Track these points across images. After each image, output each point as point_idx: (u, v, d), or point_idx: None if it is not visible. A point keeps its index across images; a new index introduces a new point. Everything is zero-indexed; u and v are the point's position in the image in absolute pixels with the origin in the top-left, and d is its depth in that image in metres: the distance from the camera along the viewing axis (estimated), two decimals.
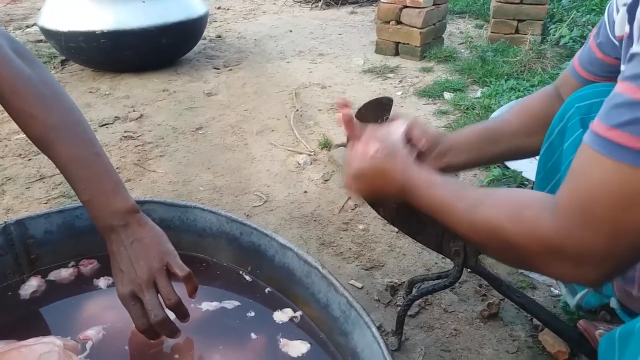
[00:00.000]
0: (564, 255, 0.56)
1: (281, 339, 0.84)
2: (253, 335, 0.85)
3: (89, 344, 0.81)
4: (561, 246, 0.56)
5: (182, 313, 0.78)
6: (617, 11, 0.76)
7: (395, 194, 0.78)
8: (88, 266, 0.99)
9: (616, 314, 1.02)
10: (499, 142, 0.97)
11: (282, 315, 0.89)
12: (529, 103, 1.00)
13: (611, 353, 0.59)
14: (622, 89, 0.52)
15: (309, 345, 0.83)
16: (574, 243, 0.54)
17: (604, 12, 0.82)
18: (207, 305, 0.90)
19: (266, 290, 0.95)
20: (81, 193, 0.77)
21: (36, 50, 3.35)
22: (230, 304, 0.91)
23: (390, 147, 0.80)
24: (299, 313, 0.89)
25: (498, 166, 1.78)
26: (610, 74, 0.84)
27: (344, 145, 0.87)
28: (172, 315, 0.77)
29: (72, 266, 0.99)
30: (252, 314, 0.89)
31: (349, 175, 0.83)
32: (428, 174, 0.75)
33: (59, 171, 0.80)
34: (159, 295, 0.75)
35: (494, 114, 2.04)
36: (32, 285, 0.94)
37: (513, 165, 1.73)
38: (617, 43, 0.78)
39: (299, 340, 0.84)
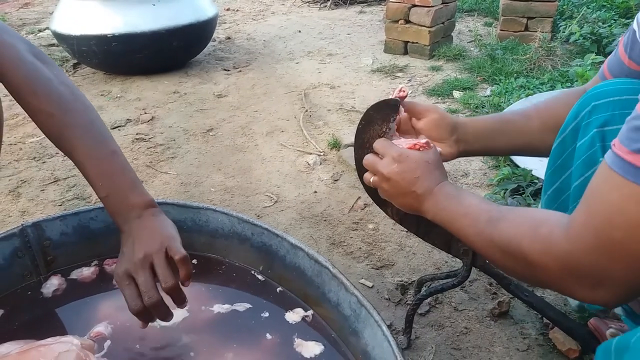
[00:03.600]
0: (578, 277, 0.56)
1: (296, 339, 0.85)
2: (268, 336, 0.86)
3: (107, 344, 0.83)
4: (574, 267, 0.55)
5: (179, 298, 0.78)
6: None
7: (417, 194, 0.78)
8: (112, 265, 1.01)
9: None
10: (515, 136, 0.95)
11: (293, 316, 0.90)
12: (554, 102, 0.98)
13: None
14: None
15: (322, 347, 0.84)
16: (588, 265, 0.54)
17: (633, 19, 0.81)
18: (219, 308, 0.91)
19: (278, 290, 0.96)
20: (99, 189, 0.80)
21: (49, 54, 3.40)
22: (242, 306, 0.92)
23: (436, 155, 0.82)
24: (310, 312, 0.91)
25: (508, 164, 1.78)
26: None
27: (352, 145, 0.88)
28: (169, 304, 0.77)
29: (95, 265, 1.01)
30: (267, 314, 0.91)
31: (390, 156, 0.81)
32: (455, 186, 0.77)
33: (73, 173, 0.82)
34: (155, 277, 0.76)
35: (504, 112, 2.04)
36: (53, 284, 0.97)
37: (523, 163, 1.73)
38: None
39: (314, 342, 0.85)
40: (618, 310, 0.93)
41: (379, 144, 0.84)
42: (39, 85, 0.81)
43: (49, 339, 0.76)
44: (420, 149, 0.81)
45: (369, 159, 0.85)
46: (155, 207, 0.82)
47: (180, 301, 0.78)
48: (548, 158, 0.96)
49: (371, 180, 0.85)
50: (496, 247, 0.66)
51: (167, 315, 0.78)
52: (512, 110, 1.02)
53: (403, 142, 0.85)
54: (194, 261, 1.03)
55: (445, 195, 0.76)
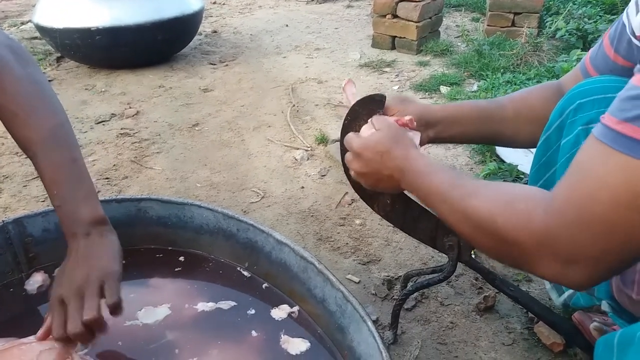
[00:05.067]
0: (554, 253, 0.54)
1: (282, 336, 0.85)
2: (254, 333, 0.85)
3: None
4: (552, 243, 0.53)
5: (97, 331, 0.73)
6: (638, 11, 0.74)
7: (390, 176, 0.77)
8: None
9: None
10: (488, 124, 0.95)
11: (279, 312, 0.89)
12: (529, 94, 0.98)
13: (609, 358, 0.57)
14: (636, 82, 0.50)
15: (308, 343, 0.83)
16: (566, 241, 0.52)
17: (622, 12, 0.80)
18: (203, 306, 0.90)
19: (263, 286, 0.96)
20: (53, 197, 0.77)
21: (31, 47, 3.34)
22: (227, 304, 0.91)
23: (394, 131, 0.80)
24: (296, 308, 0.90)
25: (494, 160, 1.79)
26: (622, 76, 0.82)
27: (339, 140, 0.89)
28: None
29: None
30: (252, 311, 0.90)
31: (350, 154, 0.83)
32: (428, 160, 0.75)
33: None
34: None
35: None
36: (36, 280, 0.95)
37: (509, 158, 1.74)
38: (637, 42, 0.76)
39: (300, 339, 0.84)
40: (605, 307, 0.93)
41: (347, 140, 0.84)
42: (7, 83, 0.78)
43: (31, 337, 0.75)
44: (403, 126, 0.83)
45: (347, 158, 0.85)
46: (105, 225, 0.79)
47: (93, 335, 0.73)
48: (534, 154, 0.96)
49: (354, 177, 0.86)
50: (468, 223, 0.64)
51: (88, 340, 0.73)
52: (485, 100, 1.02)
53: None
54: (181, 258, 1.02)
55: (416, 174, 0.74)
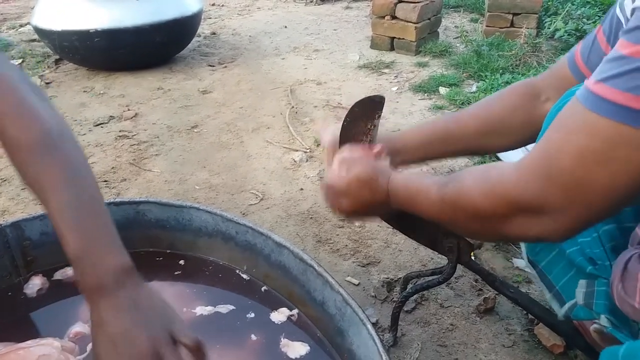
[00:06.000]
0: (523, 208, 0.57)
1: (282, 339, 0.84)
2: (253, 337, 0.85)
3: (89, 346, 0.81)
4: (521, 198, 0.57)
5: None
6: (633, 1, 0.73)
7: (382, 201, 0.79)
8: None
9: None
10: (451, 143, 0.96)
11: (279, 316, 0.89)
12: (491, 104, 0.96)
13: None
14: (617, 46, 0.52)
15: (308, 347, 0.83)
16: (533, 193, 0.56)
17: (615, 3, 0.78)
18: (202, 310, 0.90)
19: (262, 289, 0.95)
20: (74, 244, 0.62)
21: (30, 50, 3.34)
22: (225, 308, 0.91)
23: (370, 160, 0.83)
24: (295, 311, 0.90)
25: (493, 160, 1.78)
26: None
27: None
28: None
29: None
30: (252, 314, 0.90)
31: (335, 196, 0.84)
32: (405, 174, 0.79)
33: None
34: None
35: None
36: (36, 284, 0.95)
37: (507, 158, 1.73)
38: None
39: (300, 342, 0.84)
40: (604, 322, 0.92)
41: (328, 184, 0.85)
42: (27, 117, 0.69)
43: (29, 342, 0.75)
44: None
45: (333, 201, 0.86)
46: (135, 271, 0.63)
47: None
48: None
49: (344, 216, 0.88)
50: (447, 206, 0.67)
51: None
52: (446, 118, 1.03)
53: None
54: (181, 262, 1.02)
55: (396, 189, 0.77)
